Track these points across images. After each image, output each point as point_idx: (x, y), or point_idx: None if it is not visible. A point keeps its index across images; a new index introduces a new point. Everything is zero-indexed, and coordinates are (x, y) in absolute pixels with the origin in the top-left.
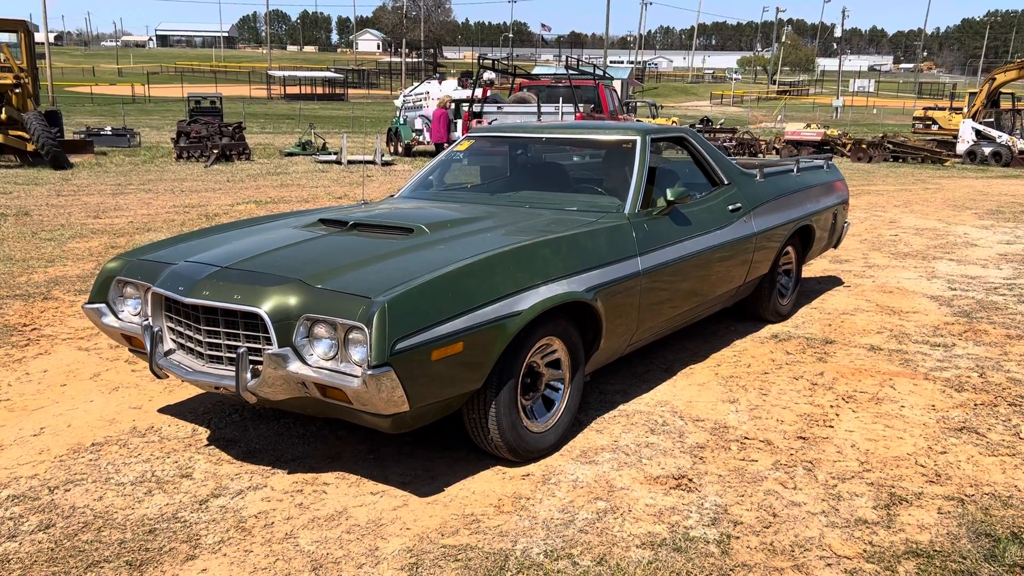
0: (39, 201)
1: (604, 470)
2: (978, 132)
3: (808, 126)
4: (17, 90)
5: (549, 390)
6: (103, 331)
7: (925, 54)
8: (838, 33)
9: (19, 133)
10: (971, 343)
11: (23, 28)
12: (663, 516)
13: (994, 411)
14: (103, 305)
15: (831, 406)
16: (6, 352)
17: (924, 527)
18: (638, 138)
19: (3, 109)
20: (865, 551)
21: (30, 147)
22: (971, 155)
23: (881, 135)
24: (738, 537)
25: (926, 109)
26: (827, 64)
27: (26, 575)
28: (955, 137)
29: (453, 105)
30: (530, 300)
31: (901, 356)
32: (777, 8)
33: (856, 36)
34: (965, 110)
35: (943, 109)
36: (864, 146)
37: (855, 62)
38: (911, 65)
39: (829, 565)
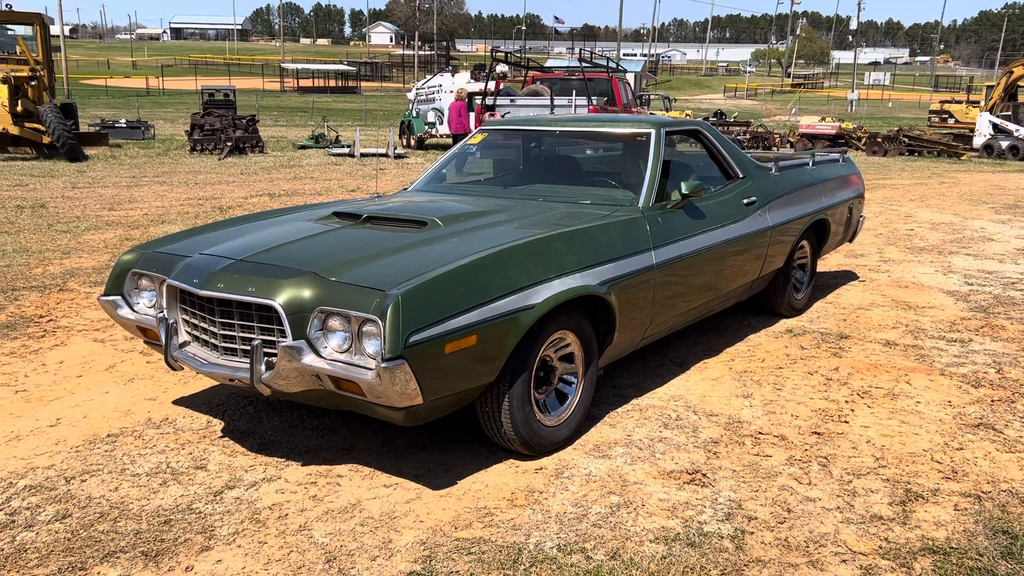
0: (55, 193)
1: (617, 464)
2: (995, 125)
3: (823, 119)
4: (33, 83)
5: (562, 384)
6: (118, 323)
7: (942, 47)
8: (853, 26)
9: (35, 125)
10: (988, 339)
11: (39, 21)
12: (677, 511)
13: (1011, 407)
14: (118, 297)
15: (846, 401)
16: (23, 343)
17: (940, 524)
18: (652, 131)
19: (19, 101)
20: (880, 547)
21: (46, 139)
22: (988, 149)
23: (896, 128)
24: (752, 532)
25: (942, 102)
26: (842, 57)
27: (43, 564)
28: (972, 131)
29: (467, 97)
30: (543, 294)
31: (917, 351)
32: (792, 0)
33: (872, 29)
34: (982, 103)
35: (960, 102)
36: (879, 140)
37: (870, 55)
38: (927, 58)
39: (844, 561)
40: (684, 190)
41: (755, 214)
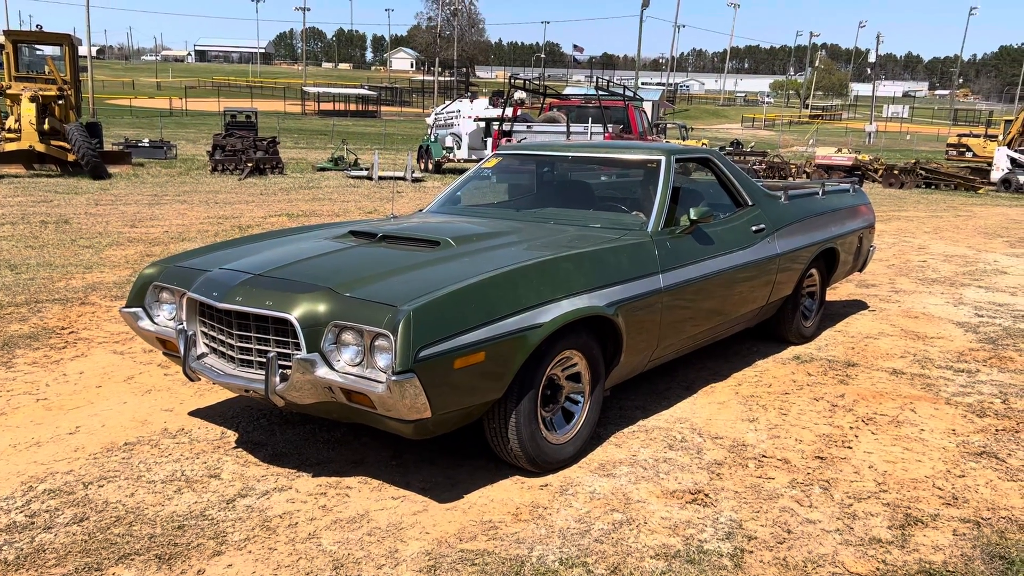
0: (78, 209)
1: (621, 483)
2: (1013, 160)
3: (839, 151)
4: (60, 101)
5: (569, 403)
6: (139, 334)
7: (961, 81)
8: (872, 58)
9: (60, 143)
10: (995, 370)
11: (67, 42)
12: (678, 529)
13: (1015, 437)
14: (139, 309)
15: (850, 427)
16: (45, 354)
17: (938, 548)
18: (663, 158)
19: (46, 120)
20: (878, 569)
21: (71, 157)
22: (1005, 183)
23: (913, 161)
24: (752, 551)
25: (960, 136)
26: (861, 89)
27: (60, 564)
28: (989, 164)
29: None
30: (551, 313)
31: (923, 380)
32: (811, 32)
33: (891, 62)
34: (1000, 137)
35: (978, 136)
36: (896, 172)
37: (889, 88)
38: (946, 92)
39: None
40: (693, 216)
41: (764, 241)
